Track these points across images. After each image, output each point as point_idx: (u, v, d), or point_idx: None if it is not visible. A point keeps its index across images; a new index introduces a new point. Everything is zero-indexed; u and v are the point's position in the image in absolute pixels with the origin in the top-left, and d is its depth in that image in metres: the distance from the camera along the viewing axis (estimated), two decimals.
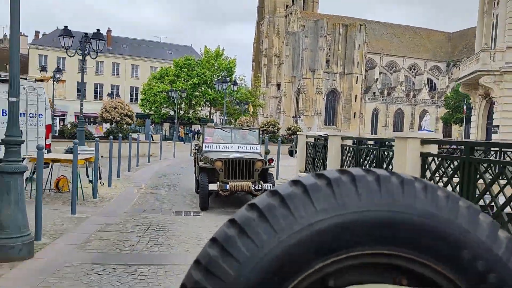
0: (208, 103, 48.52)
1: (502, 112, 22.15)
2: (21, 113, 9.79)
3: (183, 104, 47.04)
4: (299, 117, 64.76)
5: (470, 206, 0.70)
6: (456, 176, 3.71)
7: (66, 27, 13.19)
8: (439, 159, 4.27)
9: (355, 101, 65.26)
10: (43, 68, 25.75)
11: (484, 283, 0.67)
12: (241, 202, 8.31)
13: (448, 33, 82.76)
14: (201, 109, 50.24)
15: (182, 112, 47.70)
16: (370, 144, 6.63)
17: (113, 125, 19.36)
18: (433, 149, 4.57)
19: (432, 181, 4.25)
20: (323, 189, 0.67)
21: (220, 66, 48.27)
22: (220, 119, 50.39)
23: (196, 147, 9.43)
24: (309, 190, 0.67)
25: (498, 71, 22.01)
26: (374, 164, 5.96)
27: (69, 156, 7.50)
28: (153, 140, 20.87)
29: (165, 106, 47.18)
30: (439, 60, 77.72)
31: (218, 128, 9.94)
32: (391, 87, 70.90)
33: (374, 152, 6.07)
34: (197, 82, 46.17)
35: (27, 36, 55.34)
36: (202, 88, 46.86)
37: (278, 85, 76.16)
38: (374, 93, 68.17)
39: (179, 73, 47.06)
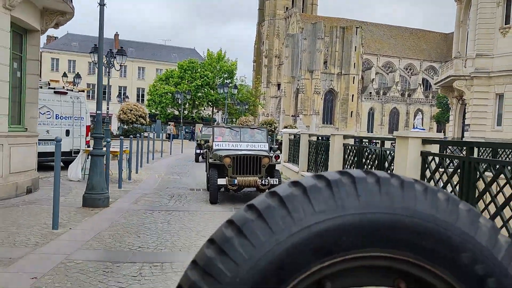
0: (210, 103, 51.47)
1: (472, 113, 24.94)
2: (68, 117, 12.80)
3: (187, 104, 49.96)
4: (298, 116, 67.62)
5: (471, 209, 0.69)
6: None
7: (95, 45, 16.07)
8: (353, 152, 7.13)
9: (352, 101, 68.08)
10: (64, 74, 28.59)
11: (483, 287, 0.67)
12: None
13: (444, 34, 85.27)
14: (204, 109, 53.25)
15: (186, 112, 50.62)
16: (325, 139, 9.45)
17: (128, 126, 22.31)
18: (351, 142, 7.43)
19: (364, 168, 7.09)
20: (323, 191, 0.67)
21: (222, 68, 51.12)
22: (222, 118, 53.19)
23: (206, 146, 10.50)
24: (308, 191, 0.67)
25: (469, 76, 24.78)
26: (324, 153, 8.89)
27: (116, 149, 10.39)
28: (171, 138, 23.74)
29: (170, 106, 50.16)
30: (435, 60, 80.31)
31: (227, 128, 10.27)
32: (387, 87, 73.62)
33: (324, 144, 9.02)
34: (200, 83, 49.04)
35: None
36: (205, 89, 49.79)
37: (278, 85, 79.04)
38: (370, 93, 70.92)
39: (183, 75, 49.91)
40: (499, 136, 22.69)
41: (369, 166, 5.83)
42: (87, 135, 13.42)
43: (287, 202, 0.66)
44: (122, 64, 16.27)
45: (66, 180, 10.41)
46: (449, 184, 3.90)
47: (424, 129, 54.08)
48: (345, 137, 7.42)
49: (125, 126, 22.76)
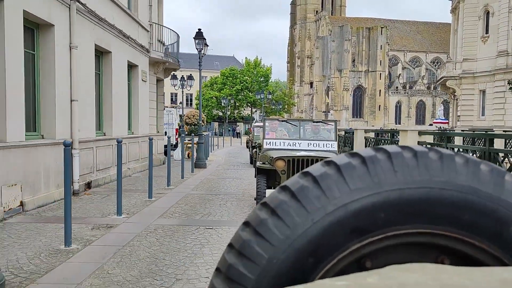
0: (249, 104, 59.18)
1: (462, 106, 30.71)
2: (165, 123, 20.78)
3: (229, 106, 57.98)
4: (329, 112, 73.74)
5: None
6: None
7: (174, 74, 23.94)
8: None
9: (379, 96, 73.22)
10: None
11: None
12: None
13: None
14: (244, 109, 61.12)
15: (228, 112, 58.67)
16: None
17: (192, 127, 30.25)
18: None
19: None
20: (358, 168, 0.65)
21: (258, 73, 58.63)
22: (260, 116, 60.59)
23: (256, 144, 9.40)
24: (343, 170, 0.65)
25: (458, 77, 30.53)
26: None
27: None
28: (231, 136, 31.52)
29: (215, 108, 58.38)
30: None
31: (282, 121, 8.28)
32: (413, 81, 77.88)
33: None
34: (240, 88, 56.86)
35: None
36: (245, 92, 57.53)
37: (311, 83, 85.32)
38: (397, 87, 75.63)
39: (226, 81, 57.94)
40: (483, 125, 28.39)
41: None
42: (176, 133, 21.26)
43: (320, 181, 0.65)
44: (191, 85, 24.00)
45: (173, 160, 18.22)
46: None
47: (445, 119, 58.76)
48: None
49: (189, 127, 30.85)
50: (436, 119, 62.18)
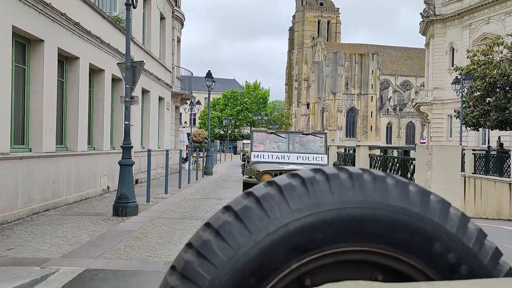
0: (249, 123, 63.98)
1: (433, 128, 35.24)
2: (178, 140, 25.33)
3: (230, 125, 62.77)
4: (324, 131, 78.46)
5: (441, 200, 0.72)
6: None
7: (187, 102, 28.59)
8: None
9: (371, 117, 78.07)
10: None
11: (456, 274, 0.69)
12: None
13: None
14: (244, 128, 65.96)
15: (229, 131, 63.42)
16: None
17: (197, 144, 34.75)
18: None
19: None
20: (298, 189, 0.68)
21: (257, 95, 63.61)
22: None
23: (245, 157, 9.61)
24: (284, 190, 0.68)
25: (429, 103, 35.16)
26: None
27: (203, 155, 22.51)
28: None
29: (217, 128, 63.17)
30: None
31: (271, 133, 8.11)
32: (403, 103, 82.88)
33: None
34: (240, 109, 61.72)
35: None
36: (244, 113, 62.38)
37: (308, 104, 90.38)
38: (388, 109, 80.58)
39: (227, 102, 62.88)
40: (451, 144, 32.75)
41: None
42: (186, 149, 25.72)
43: (263, 201, 0.67)
44: (198, 109, 28.59)
45: (184, 170, 22.65)
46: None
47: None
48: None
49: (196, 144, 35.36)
50: (423, 139, 67.12)
